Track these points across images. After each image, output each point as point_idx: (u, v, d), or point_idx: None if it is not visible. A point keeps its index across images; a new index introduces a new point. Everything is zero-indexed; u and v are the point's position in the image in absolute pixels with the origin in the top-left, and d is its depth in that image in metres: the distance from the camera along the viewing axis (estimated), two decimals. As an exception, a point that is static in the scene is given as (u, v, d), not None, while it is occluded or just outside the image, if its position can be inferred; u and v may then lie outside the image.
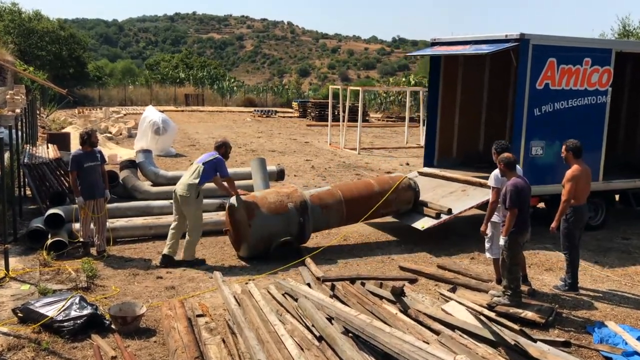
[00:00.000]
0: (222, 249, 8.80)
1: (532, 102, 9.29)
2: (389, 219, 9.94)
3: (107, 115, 31.19)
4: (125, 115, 33.93)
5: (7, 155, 10.82)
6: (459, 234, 9.79)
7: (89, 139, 8.17)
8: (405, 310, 5.75)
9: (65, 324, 5.62)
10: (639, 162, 12.00)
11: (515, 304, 6.35)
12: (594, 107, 9.75)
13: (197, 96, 48.44)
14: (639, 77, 12.36)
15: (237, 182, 9.29)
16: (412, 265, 8.07)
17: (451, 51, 10.39)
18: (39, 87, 32.50)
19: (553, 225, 7.11)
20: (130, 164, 11.45)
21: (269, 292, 6.31)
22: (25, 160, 10.15)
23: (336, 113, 25.08)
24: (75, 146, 12.51)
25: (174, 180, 9.81)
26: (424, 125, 23.85)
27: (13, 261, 7.54)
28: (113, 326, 5.79)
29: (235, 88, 54.27)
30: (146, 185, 11.10)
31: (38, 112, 24.07)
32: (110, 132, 23.91)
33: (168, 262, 7.92)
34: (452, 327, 5.39)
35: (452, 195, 9.61)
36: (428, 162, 11.51)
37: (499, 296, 6.48)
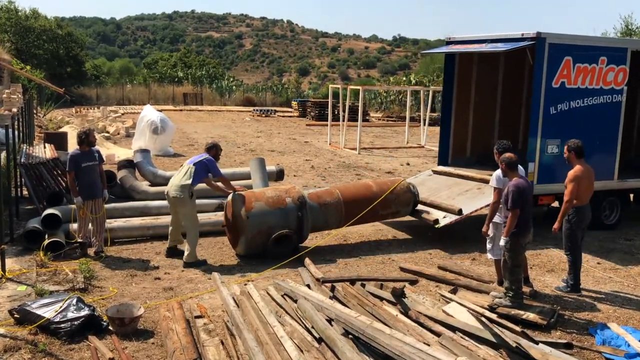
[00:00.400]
0: (221, 249, 8.80)
1: (548, 100, 9.42)
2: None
3: (104, 114, 31.19)
4: (123, 114, 33.95)
5: (3, 155, 10.83)
6: (460, 234, 9.79)
7: (86, 139, 8.17)
8: (405, 311, 5.75)
9: (62, 325, 5.61)
10: None
11: (516, 306, 6.35)
12: (609, 105, 9.85)
13: (195, 95, 48.48)
14: None
15: (236, 183, 9.30)
16: (413, 266, 8.07)
17: (467, 49, 10.53)
18: (36, 86, 32.47)
19: (555, 225, 7.12)
20: (128, 164, 11.44)
21: (268, 293, 6.31)
22: (22, 160, 10.14)
23: (336, 112, 25.09)
24: (72, 146, 12.50)
25: (172, 181, 9.80)
26: (424, 125, 24.03)
27: (9, 262, 7.55)
28: (110, 327, 5.78)
29: (234, 87, 54.31)
30: (144, 185, 11.08)
31: (35, 111, 24.08)
32: (108, 132, 23.92)
33: (173, 253, 8.26)
34: (453, 328, 5.39)
35: (467, 193, 9.69)
36: (442, 161, 11.66)
37: (500, 298, 6.48)
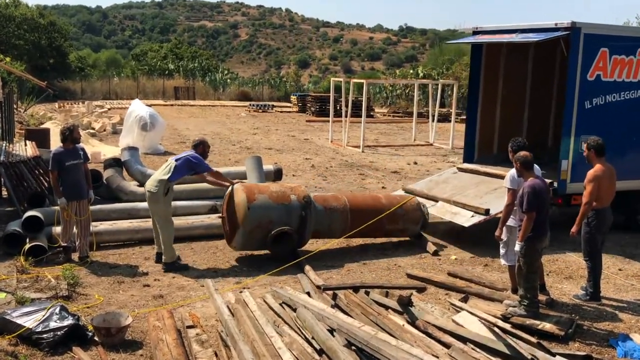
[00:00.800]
0: (215, 254, 8.81)
1: (583, 94, 9.48)
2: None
3: (90, 109, 31.23)
4: (109, 109, 33.98)
5: (-19, 152, 10.83)
6: (471, 238, 9.80)
7: (70, 135, 8.18)
8: (413, 321, 5.76)
9: (45, 335, 5.62)
10: None
11: (532, 315, 6.35)
12: None
13: (187, 89, 48.54)
14: None
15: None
16: (421, 272, 8.07)
17: (496, 39, 10.63)
18: (16, 79, 32.47)
19: (573, 229, 7.11)
20: (115, 163, 11.46)
21: (265, 301, 6.31)
22: (2, 159, 10.16)
23: (338, 108, 25.14)
24: (55, 143, 12.52)
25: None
26: (433, 121, 24.06)
27: (-12, 267, 7.56)
28: (96, 338, 5.79)
29: (228, 80, 54.41)
30: (132, 185, 11.10)
31: (15, 106, 24.09)
32: (94, 128, 23.96)
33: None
34: (463, 339, 5.40)
35: (495, 192, 9.74)
36: (468, 158, 11.79)
37: (514, 306, 6.48)
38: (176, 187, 9.31)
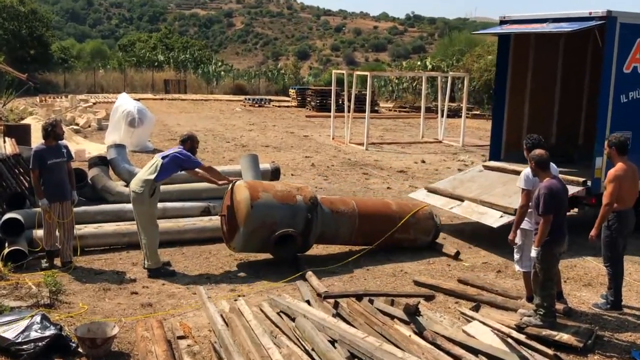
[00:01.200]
0: (208, 259, 8.81)
1: (619, 87, 9.55)
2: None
3: (73, 104, 31.23)
4: (94, 104, 33.99)
5: (-43, 150, 10.83)
6: (483, 242, 9.80)
7: (52, 132, 8.18)
8: (420, 331, 5.76)
9: (25, 346, 5.61)
10: None
11: (548, 325, 6.34)
12: None
13: (178, 82, 48.60)
14: None
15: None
16: (429, 279, 8.07)
17: (525, 29, 10.68)
18: (-5, 71, 32.54)
19: (593, 232, 7.09)
20: (100, 161, 11.44)
21: (261, 310, 6.31)
22: (-21, 157, 10.15)
23: (340, 102, 25.18)
24: (36, 140, 12.52)
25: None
26: (442, 116, 24.07)
27: (-36, 274, 7.56)
28: (80, 349, 5.78)
29: (222, 73, 54.48)
30: (119, 185, 11.09)
31: (-7, 100, 24.12)
32: (78, 124, 23.96)
33: None
34: (475, 351, 5.40)
35: None
36: (494, 155, 11.87)
37: (529, 316, 6.48)
38: (166, 187, 9.33)
